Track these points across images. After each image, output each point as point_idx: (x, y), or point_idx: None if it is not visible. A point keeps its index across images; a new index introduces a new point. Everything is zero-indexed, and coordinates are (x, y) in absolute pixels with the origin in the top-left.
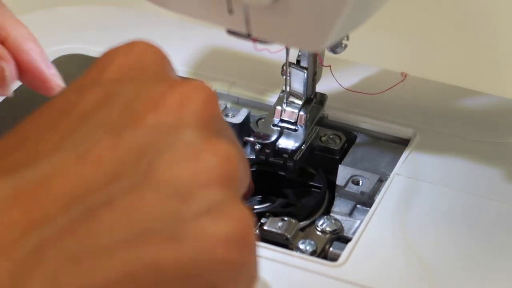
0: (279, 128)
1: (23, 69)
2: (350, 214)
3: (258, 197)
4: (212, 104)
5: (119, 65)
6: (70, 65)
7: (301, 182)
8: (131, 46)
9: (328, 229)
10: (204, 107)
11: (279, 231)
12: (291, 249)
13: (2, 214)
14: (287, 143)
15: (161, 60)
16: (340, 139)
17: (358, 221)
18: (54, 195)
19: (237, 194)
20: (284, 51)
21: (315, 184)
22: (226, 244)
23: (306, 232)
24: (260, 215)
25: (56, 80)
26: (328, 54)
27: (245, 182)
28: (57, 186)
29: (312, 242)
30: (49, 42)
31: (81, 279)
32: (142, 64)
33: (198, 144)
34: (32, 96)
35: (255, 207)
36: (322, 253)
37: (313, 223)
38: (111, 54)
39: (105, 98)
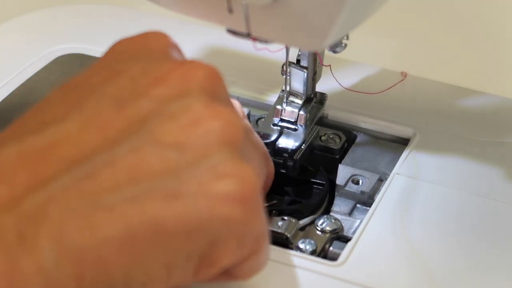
0: (279, 128)
1: None
2: (350, 213)
3: None
4: (215, 78)
5: (131, 51)
6: (70, 65)
7: (302, 179)
8: (144, 35)
9: (328, 228)
10: (206, 80)
11: (279, 231)
12: (291, 248)
13: (8, 174)
14: (287, 142)
15: (169, 45)
16: (340, 138)
17: (358, 221)
18: (58, 157)
19: (240, 155)
20: (284, 50)
21: (316, 181)
22: (227, 201)
23: (306, 231)
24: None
25: None
26: (328, 53)
27: (254, 152)
28: (61, 149)
29: (312, 242)
30: (49, 42)
31: (83, 235)
32: (150, 49)
33: (200, 110)
34: (32, 96)
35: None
36: (322, 253)
37: (313, 222)
38: (124, 42)
39: (112, 75)
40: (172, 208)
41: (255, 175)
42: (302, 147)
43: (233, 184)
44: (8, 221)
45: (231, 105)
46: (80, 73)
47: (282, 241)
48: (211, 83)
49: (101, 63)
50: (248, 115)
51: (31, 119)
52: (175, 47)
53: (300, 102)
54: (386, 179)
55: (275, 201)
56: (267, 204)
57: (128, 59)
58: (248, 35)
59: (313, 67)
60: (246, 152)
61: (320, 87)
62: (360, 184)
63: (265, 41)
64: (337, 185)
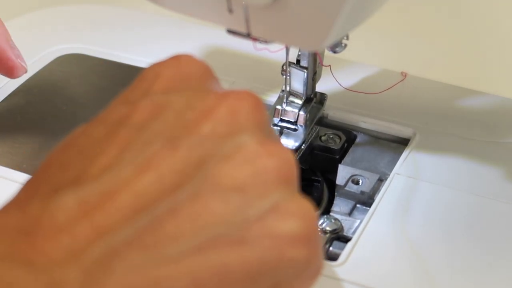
0: (279, 128)
1: None
2: (350, 213)
3: None
4: (261, 110)
5: (166, 78)
6: (70, 65)
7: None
8: (176, 59)
9: (328, 228)
10: (254, 113)
11: None
12: None
13: (68, 224)
14: (287, 142)
15: (206, 72)
16: (340, 138)
17: (358, 221)
18: (118, 206)
19: (297, 192)
20: (284, 50)
21: (313, 178)
22: (294, 242)
23: None
24: None
25: (19, 61)
26: (328, 53)
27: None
28: (120, 198)
29: None
30: (49, 42)
31: None
32: (188, 77)
33: (255, 148)
34: (32, 96)
35: None
36: (322, 253)
37: None
38: (156, 67)
39: (156, 110)
40: (238, 254)
41: (314, 210)
42: (302, 147)
43: (298, 224)
44: (72, 276)
45: (277, 136)
46: (118, 103)
47: None
48: (258, 116)
49: (137, 93)
50: None
51: (78, 157)
52: (211, 72)
53: (300, 102)
54: (386, 179)
55: None
56: None
57: (168, 90)
58: (248, 35)
59: (313, 67)
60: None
61: (320, 87)
62: (360, 184)
63: (265, 41)
64: (337, 185)
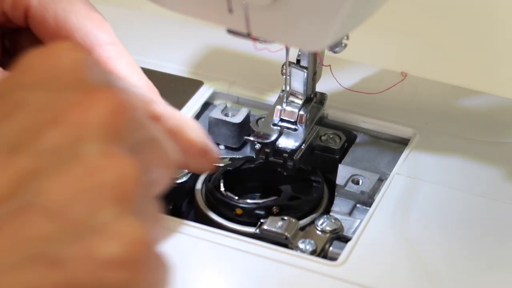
0: (279, 128)
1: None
2: (350, 213)
3: (257, 194)
4: (119, 116)
5: (35, 71)
6: None
7: (299, 177)
8: (50, 50)
9: (328, 228)
10: (109, 119)
11: (279, 231)
12: (291, 248)
13: None
14: (287, 142)
15: (80, 65)
16: (340, 138)
17: (358, 221)
18: None
19: (131, 212)
20: (284, 50)
21: (312, 178)
22: (112, 266)
23: (306, 231)
24: (267, 208)
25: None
26: (328, 53)
27: (152, 192)
28: None
29: (312, 242)
30: None
31: None
32: (59, 71)
33: (94, 160)
34: None
35: (263, 200)
36: (322, 253)
37: (313, 222)
38: (31, 57)
39: (11, 108)
40: (51, 276)
41: (144, 232)
42: (302, 147)
43: (119, 247)
44: None
45: (139, 146)
46: None
47: (282, 241)
48: (113, 123)
49: (7, 85)
50: (248, 115)
51: None
52: (84, 64)
53: (300, 102)
54: (386, 179)
55: (275, 197)
56: (267, 200)
57: (33, 85)
58: (248, 35)
59: (313, 67)
60: (139, 199)
61: (320, 87)
62: (360, 184)
63: (265, 41)
64: (337, 185)
